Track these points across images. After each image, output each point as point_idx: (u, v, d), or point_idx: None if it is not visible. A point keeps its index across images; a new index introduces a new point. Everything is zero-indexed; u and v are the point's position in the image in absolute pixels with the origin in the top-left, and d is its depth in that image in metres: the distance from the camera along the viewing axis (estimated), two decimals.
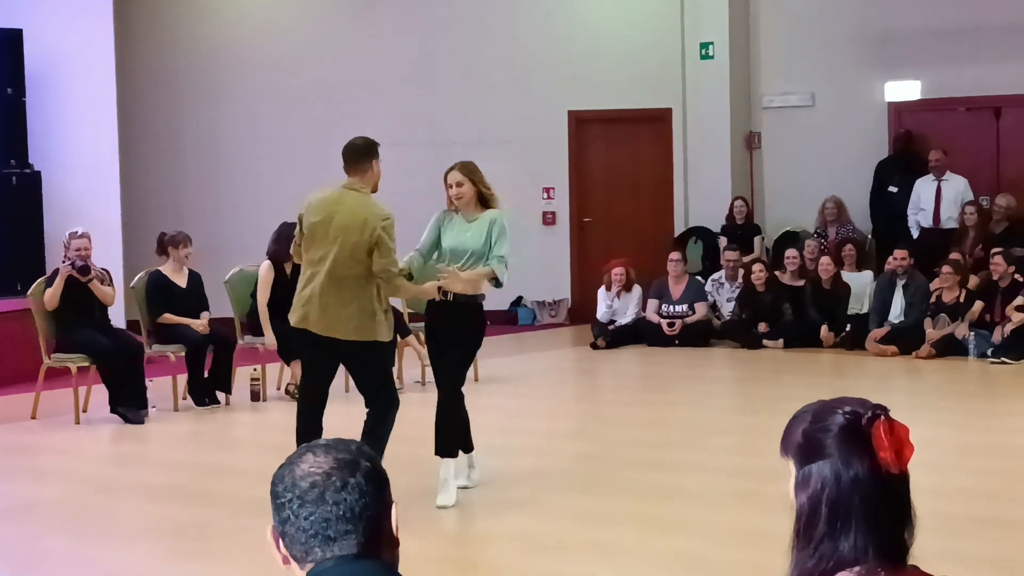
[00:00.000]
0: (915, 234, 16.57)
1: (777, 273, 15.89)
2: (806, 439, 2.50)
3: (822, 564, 2.43)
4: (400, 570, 2.48)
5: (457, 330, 8.37)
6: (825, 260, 15.58)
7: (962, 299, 14.54)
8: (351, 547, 2.43)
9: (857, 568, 2.42)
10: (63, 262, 11.69)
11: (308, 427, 7.90)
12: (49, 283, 11.59)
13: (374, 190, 8.16)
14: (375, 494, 2.47)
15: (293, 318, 8.08)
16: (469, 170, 8.56)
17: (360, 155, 8.13)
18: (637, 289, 16.18)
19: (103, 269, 11.91)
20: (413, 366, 13.05)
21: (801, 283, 15.62)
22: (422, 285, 8.35)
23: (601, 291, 16.25)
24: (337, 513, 2.42)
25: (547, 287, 18.27)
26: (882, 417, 2.47)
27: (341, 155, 8.18)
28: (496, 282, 8.38)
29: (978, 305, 14.33)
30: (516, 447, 10.12)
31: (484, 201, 8.54)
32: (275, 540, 2.51)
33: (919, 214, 16.67)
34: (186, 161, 18.04)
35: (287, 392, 12.42)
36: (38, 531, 7.98)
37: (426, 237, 8.61)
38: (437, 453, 8.25)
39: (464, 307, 8.35)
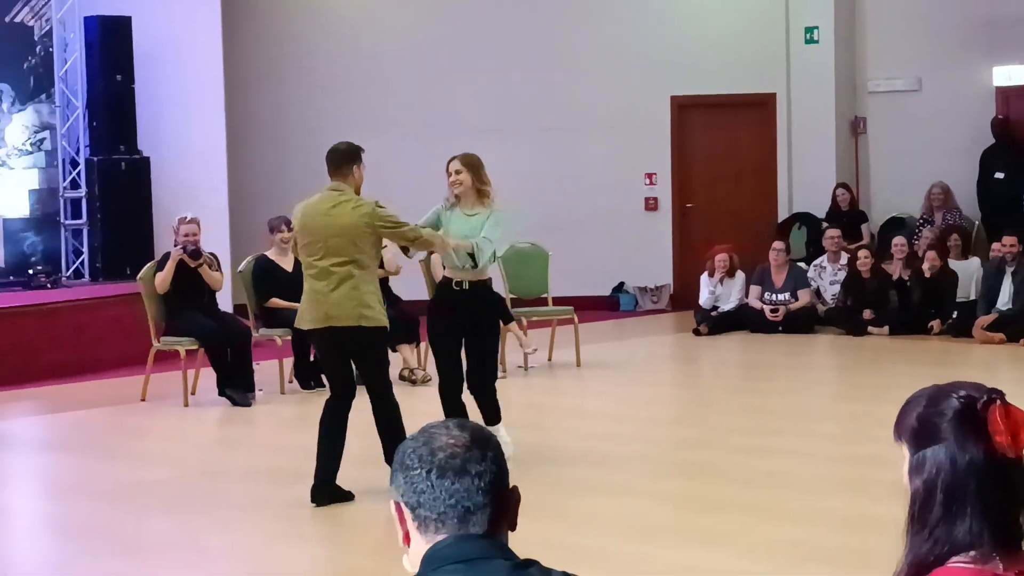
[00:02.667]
0: None
1: (885, 264, 15.71)
2: (920, 423, 2.48)
3: (937, 548, 2.42)
4: None
5: (481, 318, 8.63)
6: (931, 255, 15.34)
7: None
8: (483, 522, 2.46)
9: (972, 553, 2.40)
10: (173, 247, 11.85)
11: (338, 421, 8.04)
12: (159, 267, 11.74)
13: (357, 193, 8.18)
14: (504, 473, 2.52)
15: (300, 323, 8.26)
16: (469, 162, 8.67)
17: (342, 160, 8.18)
18: (740, 275, 16.09)
19: (211, 254, 12.05)
20: (515, 351, 13.07)
21: (907, 272, 15.44)
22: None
23: (704, 277, 16.18)
24: (478, 485, 2.46)
25: (649, 273, 18.22)
26: (998, 401, 2.45)
27: (325, 159, 8.23)
28: (472, 260, 8.47)
29: None
30: (617, 433, 10.11)
31: (481, 197, 8.67)
32: (399, 515, 2.53)
33: None
34: (291, 147, 18.18)
35: (400, 377, 12.50)
36: (144, 512, 8.09)
37: (424, 220, 8.67)
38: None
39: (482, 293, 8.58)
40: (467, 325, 8.65)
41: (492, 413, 8.83)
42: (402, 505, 2.51)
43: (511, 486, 2.53)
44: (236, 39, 17.03)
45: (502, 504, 2.50)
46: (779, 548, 6.96)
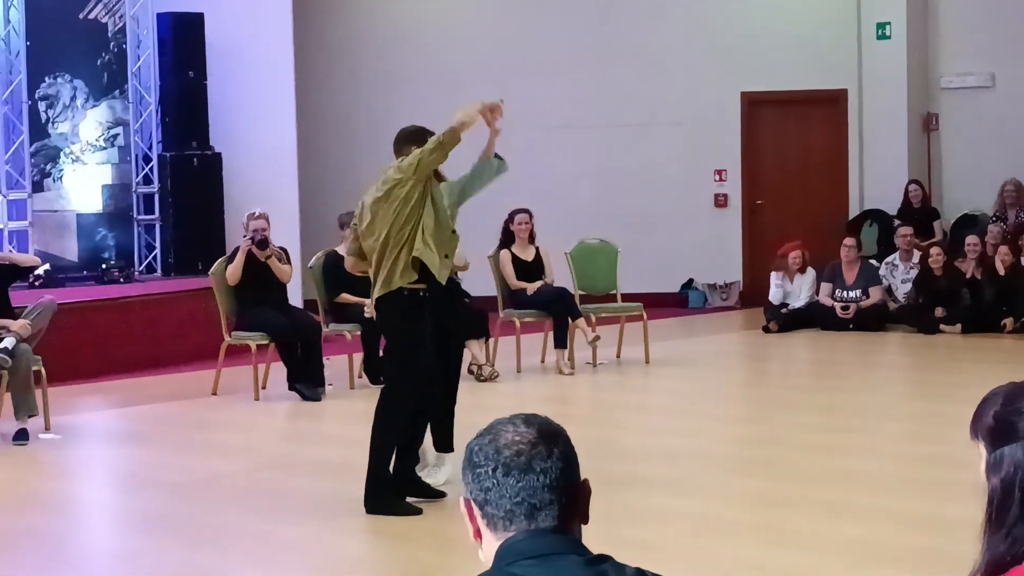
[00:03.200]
0: None
1: (957, 262, 15.57)
2: (997, 421, 2.46)
3: (1015, 548, 2.39)
4: None
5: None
6: (1003, 250, 15.22)
7: None
8: (552, 518, 2.45)
9: None
10: (243, 239, 11.93)
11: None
12: (230, 261, 11.83)
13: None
14: (573, 467, 2.50)
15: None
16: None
17: (403, 140, 8.15)
18: (811, 272, 15.99)
19: (280, 248, 12.13)
20: (582, 348, 13.06)
21: (980, 270, 15.29)
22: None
23: (774, 273, 16.10)
24: (544, 482, 2.45)
25: (718, 270, 18.16)
26: None
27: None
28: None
29: None
30: (686, 429, 10.09)
31: None
32: (469, 511, 2.53)
33: None
34: (361, 143, 18.24)
35: (468, 371, 12.52)
36: (216, 505, 8.15)
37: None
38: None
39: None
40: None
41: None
42: (471, 502, 2.51)
43: (582, 480, 2.53)
44: (307, 35, 17.12)
45: (572, 499, 2.49)
46: (850, 547, 6.91)
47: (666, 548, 6.95)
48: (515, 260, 13.15)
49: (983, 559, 2.44)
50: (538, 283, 13.11)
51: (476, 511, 2.51)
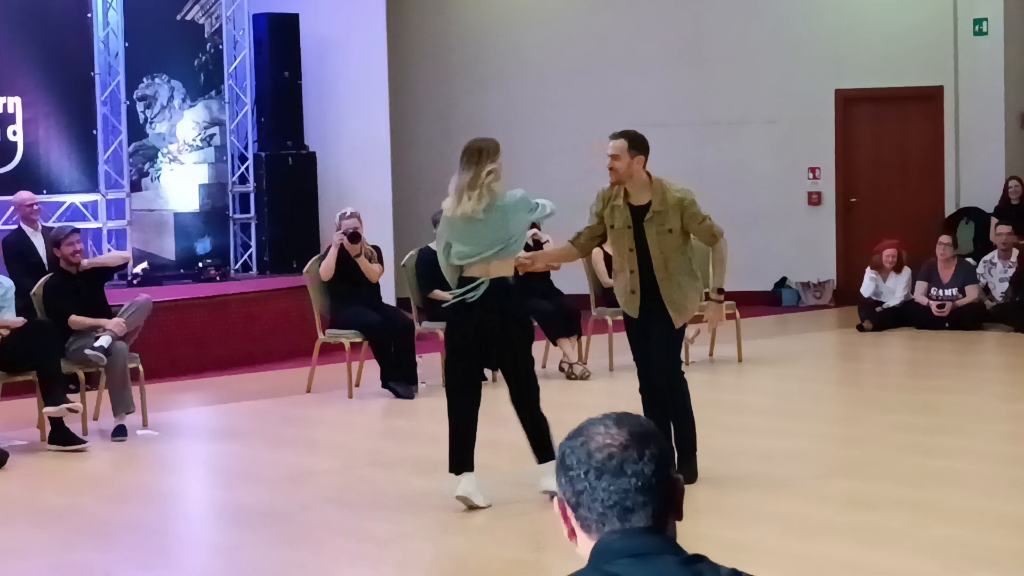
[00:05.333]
0: None
1: None
2: None
3: None
4: None
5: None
6: None
7: None
8: (646, 519, 2.46)
9: None
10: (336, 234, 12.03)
11: None
12: (323, 259, 11.93)
13: None
14: (666, 467, 2.51)
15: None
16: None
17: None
18: (907, 271, 15.85)
19: (373, 246, 12.20)
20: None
21: None
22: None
23: (868, 270, 15.98)
24: (636, 484, 2.46)
25: (812, 268, 18.05)
26: None
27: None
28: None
29: None
30: (779, 429, 10.05)
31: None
32: (563, 512, 2.55)
33: None
34: (455, 142, 18.13)
35: (559, 369, 12.55)
36: (312, 501, 8.22)
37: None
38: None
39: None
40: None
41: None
42: (565, 503, 2.53)
43: (675, 477, 2.53)
44: (401, 34, 17.22)
45: (665, 498, 2.50)
46: (947, 549, 6.86)
47: (760, 548, 6.93)
48: (607, 258, 13.13)
49: None
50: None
51: (569, 512, 2.53)
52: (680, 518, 2.55)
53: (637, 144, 8.17)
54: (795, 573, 6.62)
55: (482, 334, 7.92)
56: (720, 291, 8.28)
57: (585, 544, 2.51)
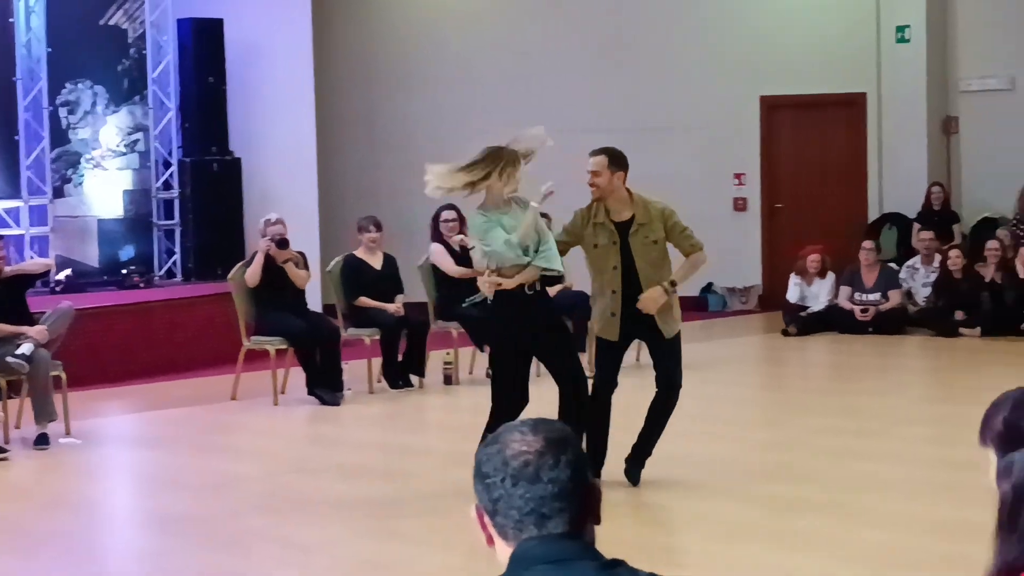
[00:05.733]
0: None
1: (978, 266, 15.54)
2: (1007, 427, 2.47)
3: None
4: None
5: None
6: (1023, 251, 15.19)
7: None
8: (563, 524, 2.47)
9: None
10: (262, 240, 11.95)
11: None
12: (248, 266, 11.86)
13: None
14: (583, 472, 2.51)
15: None
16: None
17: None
18: (830, 276, 15.98)
19: (298, 252, 12.14)
20: None
21: (1000, 274, 15.26)
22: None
23: (792, 276, 16.10)
24: (553, 491, 2.46)
25: (737, 273, 18.14)
26: None
27: None
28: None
29: None
30: (705, 433, 10.08)
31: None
32: (480, 519, 2.55)
33: None
34: (380, 147, 18.29)
35: (487, 376, 12.52)
36: (237, 508, 8.17)
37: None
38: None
39: None
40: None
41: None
42: (483, 510, 2.53)
43: (592, 482, 2.54)
44: (326, 39, 17.16)
45: (582, 504, 2.51)
46: (872, 552, 6.91)
47: (685, 553, 6.96)
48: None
49: (995, 565, 2.45)
50: (558, 287, 13.10)
51: (487, 519, 2.53)
52: (598, 523, 2.56)
53: (617, 160, 8.26)
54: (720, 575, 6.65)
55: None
56: (673, 284, 8.24)
57: (504, 551, 2.51)
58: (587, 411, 8.04)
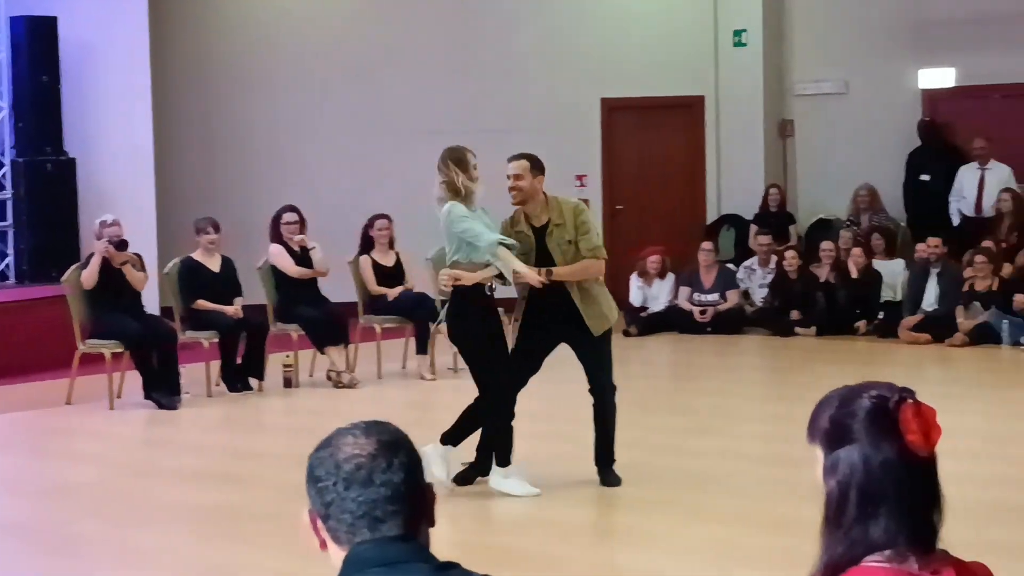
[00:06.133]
0: (956, 221, 16.51)
1: (813, 267, 15.83)
2: (833, 425, 2.50)
3: (852, 549, 2.43)
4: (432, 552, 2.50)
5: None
6: (856, 252, 15.52)
7: (995, 287, 14.49)
8: (397, 527, 2.45)
9: (887, 552, 2.42)
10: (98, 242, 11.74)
11: None
12: (84, 268, 11.64)
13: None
14: (417, 475, 2.50)
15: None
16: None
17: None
18: (671, 277, 16.16)
19: (135, 254, 11.96)
20: (445, 352, 13.07)
21: (834, 274, 15.56)
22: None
23: (633, 277, 16.24)
24: (386, 494, 2.44)
25: None
26: (909, 400, 2.46)
27: None
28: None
29: (1020, 298, 14.27)
30: (546, 433, 10.12)
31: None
32: (313, 524, 2.52)
33: (960, 202, 16.59)
34: (220, 148, 18.08)
35: (328, 378, 12.47)
36: (72, 513, 8.05)
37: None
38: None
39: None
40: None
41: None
42: (316, 514, 2.50)
43: (426, 484, 2.52)
44: (163, 38, 16.90)
45: (416, 506, 2.49)
46: (707, 548, 6.99)
47: (523, 554, 6.97)
48: (375, 266, 13.13)
49: (822, 560, 2.48)
50: (398, 288, 13.10)
51: (320, 524, 2.50)
52: (433, 525, 2.54)
53: (537, 164, 8.32)
54: None
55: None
56: (550, 272, 8.20)
57: (337, 554, 2.49)
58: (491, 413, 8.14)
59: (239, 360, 12.19)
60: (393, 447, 2.49)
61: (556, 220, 8.18)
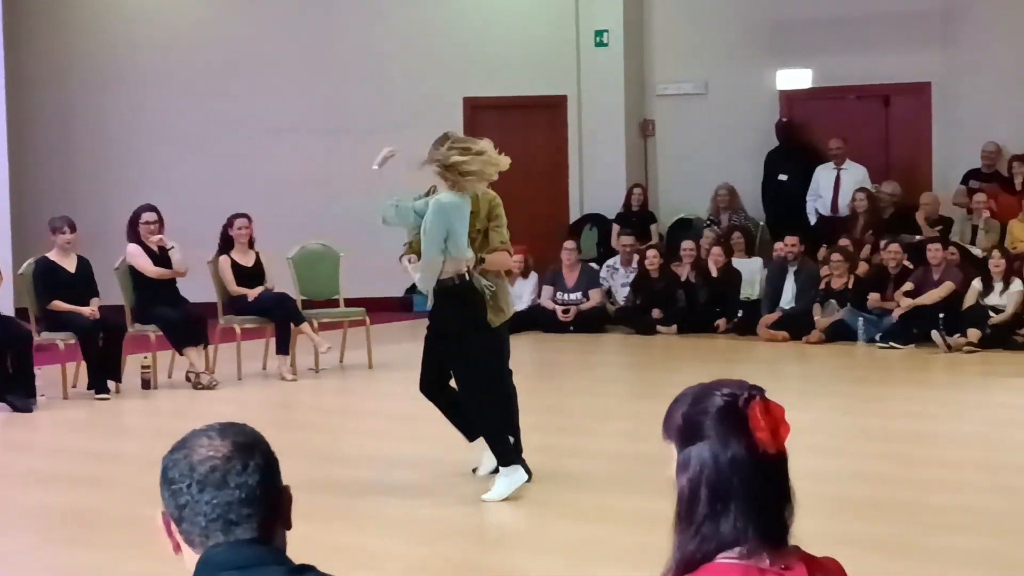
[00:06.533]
0: (813, 220, 16.79)
1: (674, 266, 15.99)
2: (685, 422, 2.51)
3: (704, 546, 2.44)
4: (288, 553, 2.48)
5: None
6: (716, 251, 15.71)
7: (850, 285, 14.74)
8: (251, 530, 2.42)
9: (738, 549, 2.44)
10: None
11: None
12: None
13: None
14: (271, 477, 2.47)
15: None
16: None
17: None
18: (533, 276, 16.22)
19: None
20: (306, 352, 12.99)
21: (694, 273, 15.73)
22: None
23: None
24: (239, 496, 2.41)
25: None
26: (757, 397, 2.48)
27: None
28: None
29: (874, 296, 14.54)
30: (410, 434, 10.09)
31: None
32: (167, 526, 2.48)
33: (817, 201, 16.87)
34: (77, 146, 17.80)
35: (187, 379, 12.32)
36: None
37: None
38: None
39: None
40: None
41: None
42: (169, 517, 2.46)
43: (283, 486, 2.49)
44: (17, 36, 16.56)
45: (272, 508, 2.46)
46: (571, 546, 7.00)
47: (386, 554, 6.94)
48: (235, 266, 12.99)
49: (674, 558, 2.49)
50: (259, 289, 12.98)
51: (174, 527, 2.46)
52: (289, 527, 2.52)
53: None
54: None
55: None
56: (482, 260, 8.21)
57: (191, 558, 2.46)
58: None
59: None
60: (248, 449, 2.46)
61: (473, 208, 8.18)
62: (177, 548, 2.48)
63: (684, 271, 15.82)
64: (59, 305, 11.90)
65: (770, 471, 2.46)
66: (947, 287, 14.18)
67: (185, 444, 2.47)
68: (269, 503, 2.45)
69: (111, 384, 12.01)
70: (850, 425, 10.44)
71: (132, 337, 12.42)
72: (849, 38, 17.14)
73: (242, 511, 2.41)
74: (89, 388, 11.82)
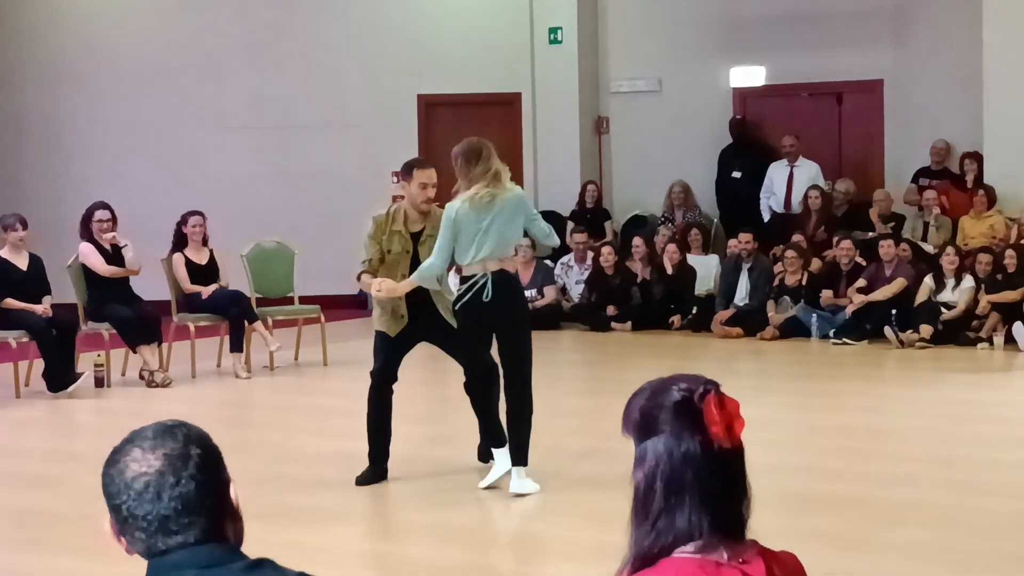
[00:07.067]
0: (766, 217, 16.86)
1: (628, 262, 16.02)
2: (642, 416, 2.52)
3: (660, 540, 2.45)
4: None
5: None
6: (671, 248, 15.76)
7: (804, 282, 14.82)
8: (195, 535, 2.41)
9: (695, 543, 2.45)
10: None
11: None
12: None
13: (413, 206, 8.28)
14: (211, 480, 2.45)
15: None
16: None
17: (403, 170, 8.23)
18: None
19: None
20: (260, 350, 12.96)
21: (648, 270, 15.78)
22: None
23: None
24: (176, 507, 2.40)
25: None
26: (712, 392, 2.49)
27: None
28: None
29: (827, 293, 14.62)
30: (364, 430, 10.07)
31: None
32: (115, 534, 2.47)
33: (770, 198, 16.95)
34: (29, 144, 17.69)
35: (141, 377, 12.27)
36: None
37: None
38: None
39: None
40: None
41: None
42: (115, 526, 2.46)
43: (225, 482, 2.48)
44: None
45: (216, 508, 2.45)
46: (523, 543, 7.03)
47: (336, 551, 6.94)
48: (188, 263, 12.94)
49: (631, 552, 2.50)
50: (212, 286, 12.94)
51: (120, 535, 2.46)
52: (240, 520, 2.51)
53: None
54: (369, 573, 6.65)
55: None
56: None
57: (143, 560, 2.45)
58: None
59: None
60: (182, 458, 2.43)
61: (429, 232, 8.29)
62: (130, 551, 2.48)
63: (638, 268, 15.86)
64: (11, 303, 11.83)
65: (725, 465, 2.47)
66: (899, 283, 14.28)
67: (118, 459, 2.44)
68: (212, 504, 2.44)
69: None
70: (803, 420, 10.50)
71: (85, 335, 12.36)
72: (802, 36, 17.22)
73: (182, 520, 2.40)
74: (51, 389, 11.72)
